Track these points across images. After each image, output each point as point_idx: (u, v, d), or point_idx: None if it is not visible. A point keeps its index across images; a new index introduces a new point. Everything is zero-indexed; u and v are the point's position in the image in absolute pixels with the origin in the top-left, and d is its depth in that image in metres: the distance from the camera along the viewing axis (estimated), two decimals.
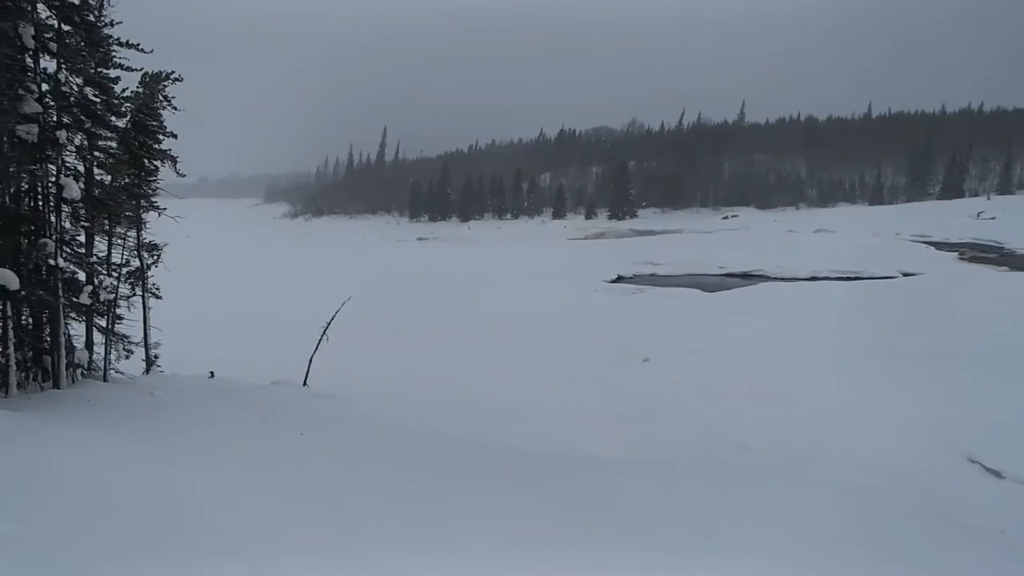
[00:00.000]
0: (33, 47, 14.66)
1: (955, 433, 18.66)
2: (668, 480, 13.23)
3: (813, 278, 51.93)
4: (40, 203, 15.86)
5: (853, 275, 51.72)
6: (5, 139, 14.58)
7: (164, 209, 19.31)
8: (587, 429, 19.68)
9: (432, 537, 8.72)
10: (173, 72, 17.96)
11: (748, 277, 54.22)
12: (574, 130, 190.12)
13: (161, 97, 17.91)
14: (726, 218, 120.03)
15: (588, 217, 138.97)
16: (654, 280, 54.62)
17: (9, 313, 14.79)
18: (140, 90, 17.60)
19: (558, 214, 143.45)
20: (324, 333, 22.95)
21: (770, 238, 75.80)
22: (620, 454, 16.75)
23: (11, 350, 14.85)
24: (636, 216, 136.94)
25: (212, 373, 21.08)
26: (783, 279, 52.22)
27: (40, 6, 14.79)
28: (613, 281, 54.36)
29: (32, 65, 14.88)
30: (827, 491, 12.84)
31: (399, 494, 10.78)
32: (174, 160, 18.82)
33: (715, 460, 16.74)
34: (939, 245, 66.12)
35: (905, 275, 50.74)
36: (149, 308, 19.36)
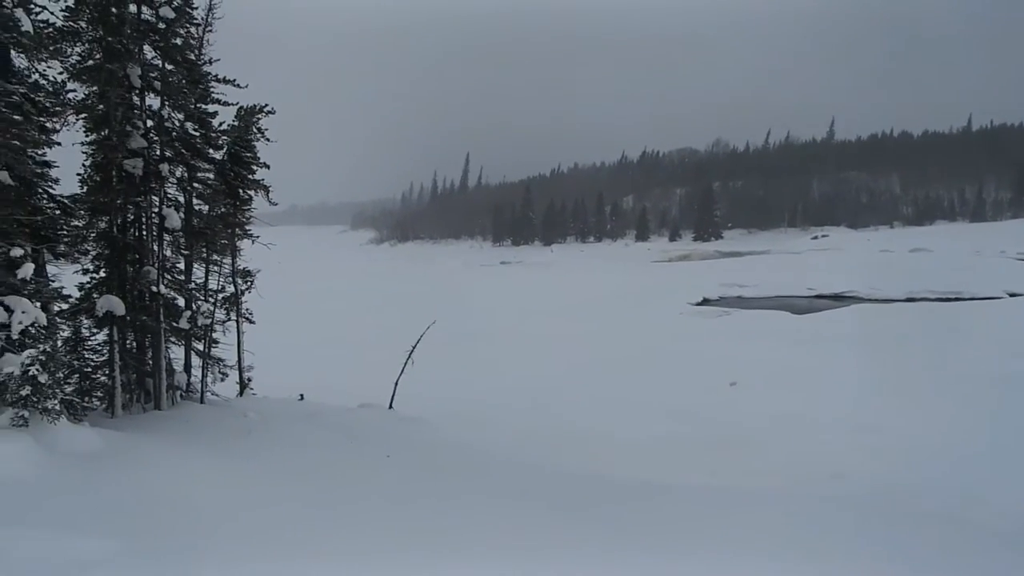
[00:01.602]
0: (140, 86, 15.57)
1: None
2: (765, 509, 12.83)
3: (910, 299, 49.76)
4: (144, 233, 16.73)
5: (954, 295, 49.29)
6: (113, 173, 15.49)
7: (258, 237, 20.07)
8: (674, 456, 19.26)
9: (510, 560, 8.69)
10: (267, 105, 18.74)
11: (840, 299, 52.34)
12: (657, 151, 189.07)
13: (255, 129, 18.69)
14: (815, 238, 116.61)
15: (672, 239, 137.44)
16: (741, 302, 53.35)
17: (116, 337, 15.60)
18: (236, 123, 18.40)
19: (641, 236, 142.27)
20: (409, 357, 23.27)
21: (863, 258, 73.23)
22: (708, 482, 16.33)
23: (117, 372, 15.64)
24: (722, 237, 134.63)
25: (302, 396, 21.64)
26: (877, 300, 50.20)
27: (146, 47, 15.70)
28: (699, 304, 53.38)
29: (138, 103, 15.80)
30: (918, 523, 12.22)
31: (479, 518, 10.76)
32: (267, 189, 19.56)
33: (807, 490, 16.11)
34: None
35: (1012, 295, 48.05)
36: (243, 332, 20.11)
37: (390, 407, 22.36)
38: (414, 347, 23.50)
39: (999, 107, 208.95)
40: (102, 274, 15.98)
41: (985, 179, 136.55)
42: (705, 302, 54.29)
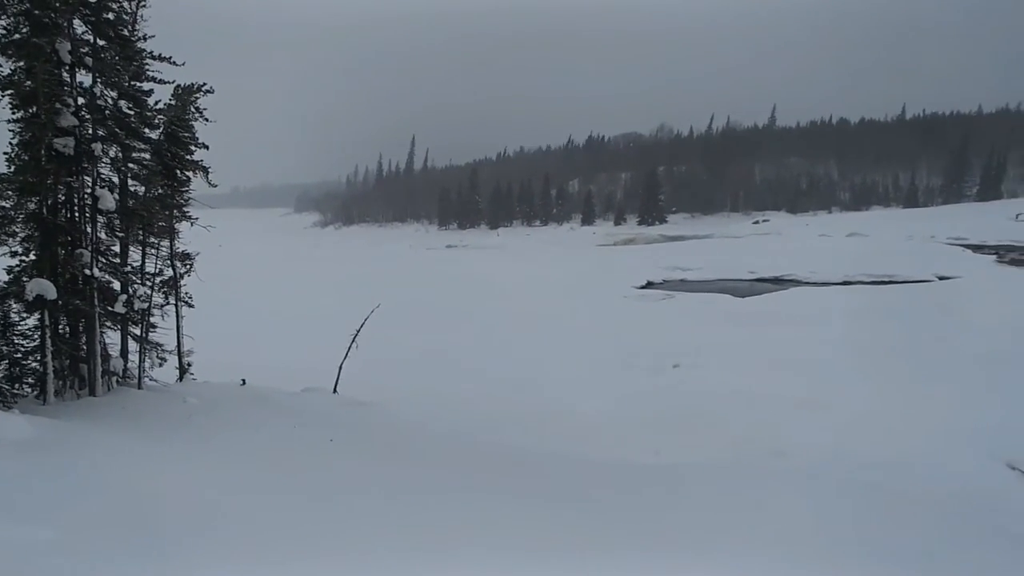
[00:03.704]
0: (70, 62, 15.02)
1: (994, 438, 18.26)
2: (694, 485, 13.14)
3: (846, 282, 51.16)
4: (76, 214, 16.22)
5: (887, 279, 50.86)
6: (43, 152, 14.95)
7: (196, 219, 19.63)
8: (618, 435, 19.57)
9: (445, 542, 8.75)
10: (205, 84, 18.28)
11: (779, 282, 53.57)
12: (603, 136, 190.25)
13: (193, 109, 18.23)
14: (757, 223, 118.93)
15: (617, 223, 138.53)
16: (684, 286, 54.17)
17: (47, 322, 15.14)
18: (173, 102, 17.92)
19: (587, 220, 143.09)
20: (353, 340, 23.13)
21: (802, 242, 75.05)
22: (650, 460, 16.66)
23: (49, 358, 15.19)
24: (666, 222, 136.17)
25: (244, 381, 21.31)
26: (815, 284, 51.53)
27: (76, 22, 15.15)
28: (643, 287, 54.03)
29: (69, 79, 15.26)
30: (858, 494, 12.68)
31: (416, 500, 10.79)
32: (206, 171, 19.11)
33: (748, 465, 16.56)
34: (977, 248, 64.85)
35: (941, 278, 49.81)
36: (182, 316, 19.69)
37: (335, 391, 22.21)
38: (358, 331, 23.36)
39: (933, 97, 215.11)
40: (32, 257, 15.46)
41: (918, 166, 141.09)
42: (649, 285, 54.96)
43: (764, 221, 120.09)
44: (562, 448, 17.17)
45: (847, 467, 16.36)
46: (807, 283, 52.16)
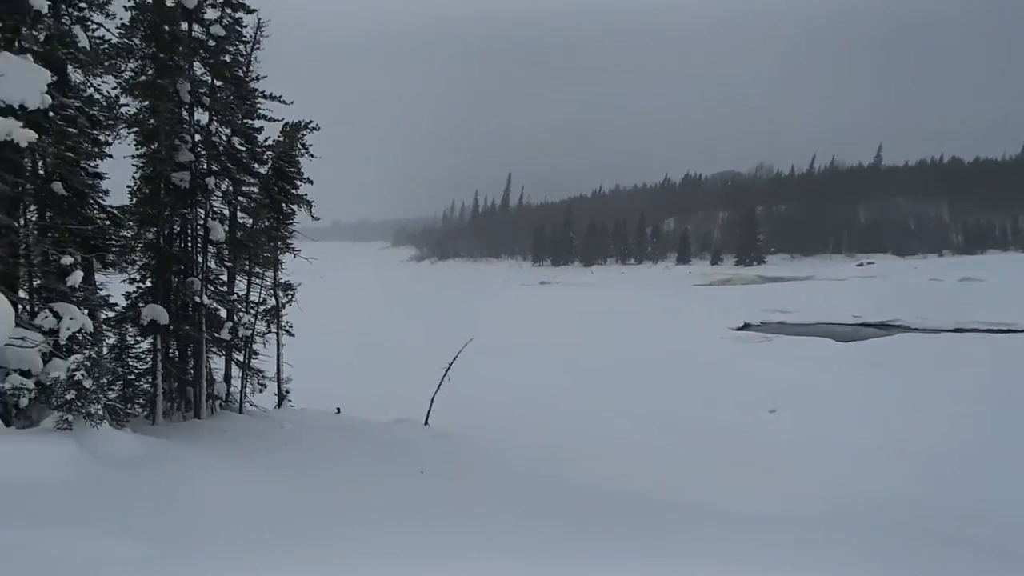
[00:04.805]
0: (189, 101, 15.99)
1: None
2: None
3: (958, 330, 48.53)
4: (189, 244, 17.10)
5: (1006, 327, 47.95)
6: (161, 185, 15.89)
7: (299, 251, 20.37)
8: (709, 478, 18.99)
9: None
10: (311, 122, 19.10)
11: (885, 327, 51.31)
12: (700, 174, 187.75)
13: (299, 145, 19.02)
14: (861, 265, 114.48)
15: (714, 263, 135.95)
16: (783, 328, 52.61)
17: (159, 346, 15.93)
18: (281, 138, 18.76)
19: (683, 259, 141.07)
20: (446, 374, 23.35)
21: (910, 286, 71.72)
22: (743, 507, 16.06)
23: (159, 380, 15.96)
24: (764, 262, 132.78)
25: (339, 409, 21.81)
26: (924, 330, 49.06)
27: (196, 64, 16.14)
28: (740, 328, 52.76)
29: (187, 117, 16.22)
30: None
31: (495, 535, 10.71)
32: (310, 204, 19.87)
33: (847, 517, 15.74)
34: None
35: None
36: (283, 345, 20.37)
37: (426, 423, 22.43)
38: (451, 364, 23.58)
39: None
40: (148, 284, 16.36)
41: None
42: (746, 327, 53.64)
43: (869, 263, 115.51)
44: (647, 490, 16.73)
45: (944, 524, 15.36)
46: (915, 329, 49.74)
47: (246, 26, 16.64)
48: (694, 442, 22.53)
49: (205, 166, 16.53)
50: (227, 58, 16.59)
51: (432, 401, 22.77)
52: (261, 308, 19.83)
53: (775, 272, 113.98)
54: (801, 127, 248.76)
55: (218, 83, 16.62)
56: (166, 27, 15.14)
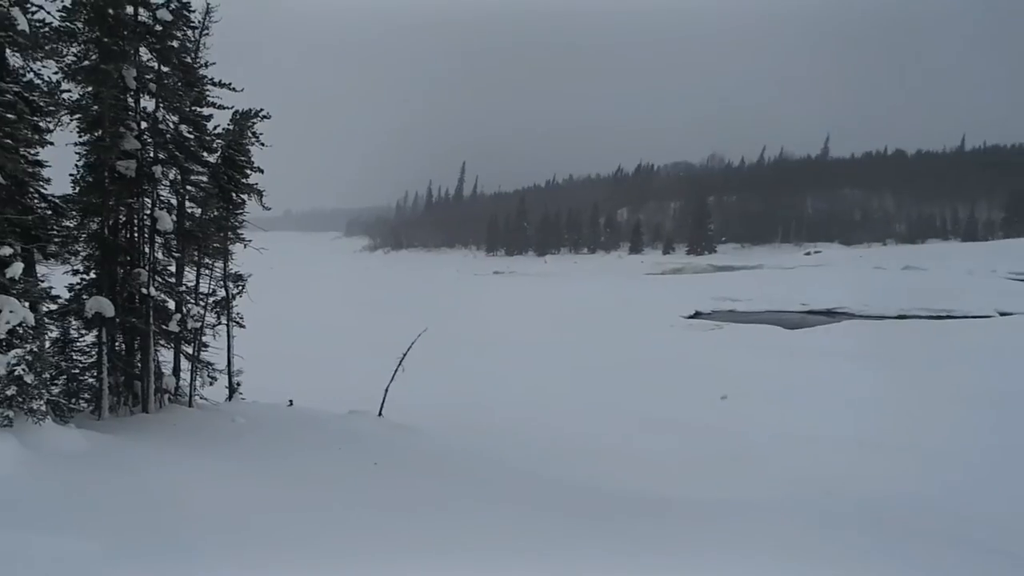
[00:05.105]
0: (134, 87, 15.54)
1: None
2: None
3: (902, 316, 49.95)
4: (135, 235, 16.67)
5: (945, 313, 49.52)
6: (106, 174, 15.45)
7: (250, 241, 20.01)
8: (662, 468, 19.23)
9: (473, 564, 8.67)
10: (262, 110, 18.73)
11: (831, 314, 52.57)
12: (652, 165, 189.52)
13: (250, 134, 18.66)
14: (808, 254, 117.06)
15: (666, 252, 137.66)
16: (733, 316, 53.51)
17: (104, 339, 15.52)
18: (231, 127, 18.37)
19: (635, 249, 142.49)
20: (399, 364, 23.21)
21: (855, 275, 73.50)
22: (696, 495, 16.30)
23: (105, 374, 15.55)
24: (715, 251, 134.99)
25: (291, 401, 21.54)
26: (869, 317, 50.36)
27: (142, 49, 15.68)
28: (691, 317, 53.52)
29: (133, 104, 15.77)
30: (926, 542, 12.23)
31: (447, 525, 10.70)
32: (260, 194, 19.52)
33: (800, 504, 16.07)
34: None
35: (1003, 314, 48.28)
36: (233, 337, 20.02)
37: (380, 414, 22.28)
38: (404, 354, 23.44)
39: (994, 128, 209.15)
40: (92, 275, 15.89)
41: (977, 199, 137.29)
42: (697, 315, 54.44)
43: (816, 252, 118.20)
44: (599, 481, 16.84)
45: (897, 511, 15.78)
46: (860, 316, 51.04)
47: (194, 11, 16.18)
48: (654, 435, 22.76)
49: (152, 154, 16.09)
50: (175, 44, 16.13)
51: (386, 392, 22.61)
52: (211, 299, 19.44)
53: (726, 261, 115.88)
54: (752, 121, 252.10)
55: (165, 69, 16.17)
56: (110, 11, 14.65)
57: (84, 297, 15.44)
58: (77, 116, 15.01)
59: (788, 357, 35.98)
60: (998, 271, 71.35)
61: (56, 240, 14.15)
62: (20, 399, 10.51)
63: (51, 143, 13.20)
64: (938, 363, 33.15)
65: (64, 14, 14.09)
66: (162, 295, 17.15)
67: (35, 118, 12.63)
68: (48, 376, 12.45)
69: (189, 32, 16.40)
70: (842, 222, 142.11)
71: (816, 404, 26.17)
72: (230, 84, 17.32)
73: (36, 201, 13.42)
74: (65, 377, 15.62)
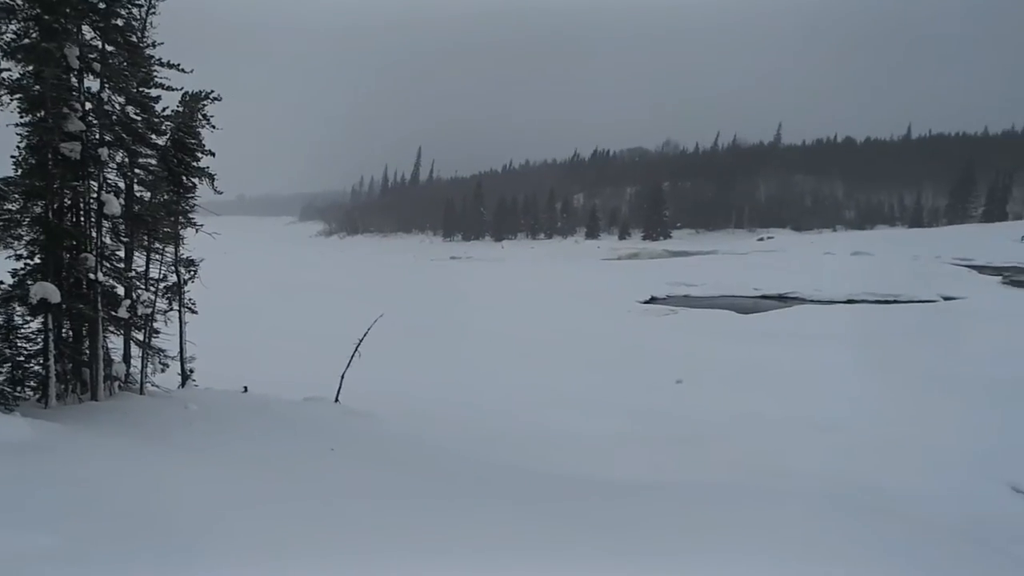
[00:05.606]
0: (78, 67, 15.08)
1: (1002, 462, 18.11)
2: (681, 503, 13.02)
3: (850, 301, 51.10)
4: (82, 219, 16.24)
5: (892, 299, 50.81)
6: (49, 156, 15.00)
7: (202, 225, 19.66)
8: (615, 452, 19.44)
9: (434, 548, 8.70)
10: (212, 92, 18.33)
11: (784, 299, 53.54)
12: (608, 150, 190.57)
13: (200, 116, 18.28)
14: (761, 239, 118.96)
15: (622, 238, 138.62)
16: (688, 301, 54.16)
17: (50, 326, 15.12)
18: (180, 109, 17.97)
19: (592, 234, 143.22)
20: (356, 350, 23.06)
21: (806, 260, 74.93)
22: (649, 478, 16.52)
23: (51, 362, 15.17)
24: (670, 237, 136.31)
25: (245, 388, 21.27)
26: (820, 302, 51.43)
27: (85, 27, 15.21)
28: (646, 302, 54.03)
29: (76, 84, 15.31)
30: (858, 516, 12.56)
31: (406, 509, 10.72)
32: (212, 178, 19.16)
33: (748, 486, 16.38)
34: (981, 269, 64.81)
35: (946, 299, 49.71)
36: (185, 323, 19.68)
37: (336, 400, 22.13)
38: (361, 340, 23.29)
39: (939, 118, 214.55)
40: (36, 260, 15.43)
41: (923, 186, 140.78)
42: (653, 300, 54.97)
43: (769, 238, 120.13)
44: (555, 466, 16.93)
45: (848, 489, 16.18)
46: (811, 301, 52.10)
47: None
48: (602, 417, 22.97)
49: (97, 136, 15.64)
50: (119, 22, 15.67)
51: (342, 378, 22.45)
52: (162, 285, 19.06)
53: (681, 247, 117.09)
54: (709, 111, 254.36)
55: (110, 48, 15.71)
56: None
57: (28, 283, 15.01)
58: (18, 96, 14.56)
59: (742, 341, 36.58)
60: (942, 256, 73.32)
61: None
62: None
63: None
64: (890, 346, 34.02)
65: None
66: (111, 280, 16.75)
67: None
68: None
69: (135, 10, 15.95)
70: (793, 208, 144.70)
71: (770, 386, 26.66)
72: (179, 65, 16.89)
73: None
74: (10, 365, 15.16)
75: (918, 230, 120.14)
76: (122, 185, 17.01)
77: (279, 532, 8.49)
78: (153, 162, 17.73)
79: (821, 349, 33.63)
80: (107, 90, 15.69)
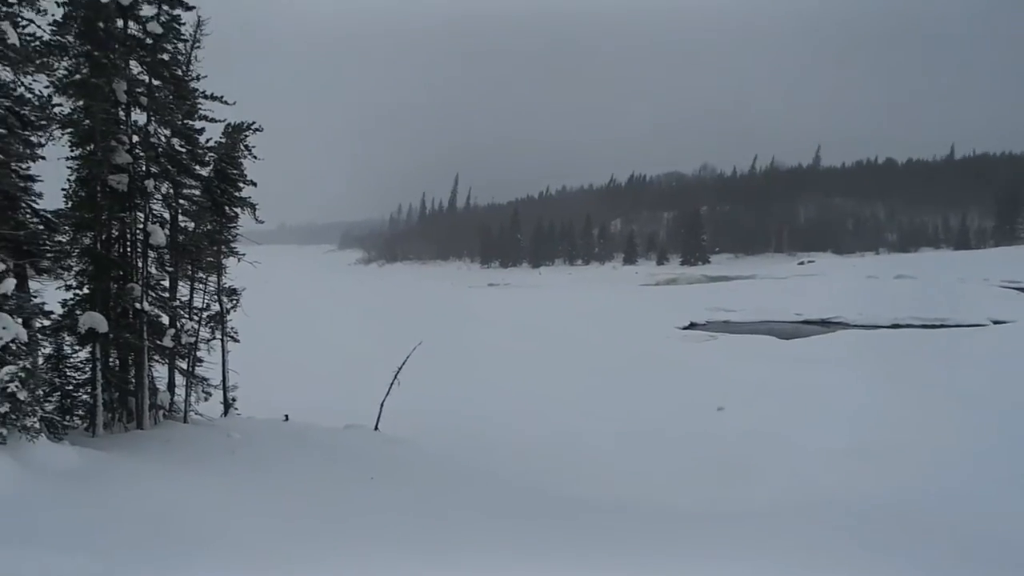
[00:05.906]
0: (125, 101, 15.48)
1: None
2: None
3: (895, 325, 49.96)
4: (128, 249, 16.56)
5: (938, 322, 49.52)
6: (98, 188, 15.35)
7: (244, 255, 19.92)
8: (654, 480, 19.09)
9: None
10: (254, 123, 18.68)
11: (826, 324, 52.53)
12: (645, 175, 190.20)
13: (242, 147, 18.60)
14: (802, 263, 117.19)
15: (660, 263, 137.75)
16: (728, 327, 53.43)
17: (98, 355, 15.38)
18: (223, 140, 18.31)
19: (629, 260, 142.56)
20: (395, 378, 23.08)
21: (848, 284, 73.57)
22: (690, 508, 16.18)
23: (99, 391, 15.41)
24: (709, 262, 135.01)
25: (287, 416, 21.37)
26: (864, 326, 50.36)
27: (132, 63, 15.62)
28: (686, 328, 53.43)
29: (124, 118, 15.70)
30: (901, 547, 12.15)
31: (468, 537, 10.60)
32: (253, 207, 19.44)
33: (786, 516, 15.93)
34: None
35: (996, 323, 48.32)
36: (228, 351, 19.88)
37: (376, 428, 22.13)
38: (400, 368, 23.32)
39: (984, 137, 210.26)
40: (85, 290, 15.77)
41: (968, 208, 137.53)
42: (692, 326, 54.34)
43: (809, 262, 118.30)
44: (595, 493, 16.70)
45: (888, 517, 15.66)
46: (855, 326, 51.02)
47: (184, 23, 16.15)
48: (644, 445, 22.63)
49: (144, 168, 15.99)
50: (165, 57, 16.09)
51: (382, 407, 22.47)
52: (205, 314, 19.32)
53: (719, 271, 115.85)
54: (745, 131, 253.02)
55: (156, 82, 16.12)
56: (100, 24, 14.62)
57: (77, 312, 15.31)
58: (69, 130, 14.96)
59: (783, 367, 35.89)
60: (990, 279, 71.48)
61: (49, 255, 14.06)
62: (13, 416, 10.37)
63: (43, 158, 13.14)
64: (935, 371, 33.11)
65: (55, 28, 14.04)
66: (156, 310, 17.00)
67: (26, 132, 12.58)
68: (42, 393, 12.32)
69: (180, 45, 16.37)
70: (834, 231, 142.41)
71: (813, 414, 26.03)
72: (222, 97, 17.30)
73: (28, 216, 13.33)
74: (59, 394, 15.45)
75: (964, 252, 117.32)
76: (167, 216, 17.34)
77: (316, 558, 8.45)
78: (197, 193, 18.05)
79: (864, 375, 32.79)
80: (153, 123, 16.05)
